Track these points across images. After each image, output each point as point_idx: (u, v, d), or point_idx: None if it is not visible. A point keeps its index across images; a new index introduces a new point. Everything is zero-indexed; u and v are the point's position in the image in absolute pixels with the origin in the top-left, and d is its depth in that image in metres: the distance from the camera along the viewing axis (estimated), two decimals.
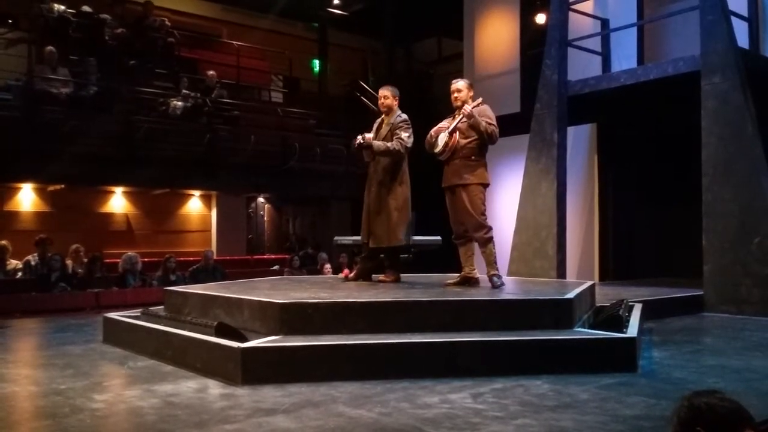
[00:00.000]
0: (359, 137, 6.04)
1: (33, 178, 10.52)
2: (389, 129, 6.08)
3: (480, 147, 5.87)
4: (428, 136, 6.00)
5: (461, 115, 5.84)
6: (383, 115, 6.25)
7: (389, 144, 5.97)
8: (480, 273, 6.08)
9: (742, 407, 1.81)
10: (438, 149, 5.87)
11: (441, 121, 6.12)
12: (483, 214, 5.85)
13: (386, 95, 6.18)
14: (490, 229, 5.85)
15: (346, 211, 13.93)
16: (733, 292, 7.62)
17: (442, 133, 5.89)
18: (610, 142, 10.79)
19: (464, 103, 5.92)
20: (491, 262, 5.83)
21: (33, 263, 9.31)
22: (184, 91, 11.53)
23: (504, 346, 4.45)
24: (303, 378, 4.07)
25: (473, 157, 5.84)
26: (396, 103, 6.17)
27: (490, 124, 5.82)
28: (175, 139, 10.95)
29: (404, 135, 6.00)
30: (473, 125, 5.77)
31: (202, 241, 12.85)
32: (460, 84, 6.03)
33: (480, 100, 5.93)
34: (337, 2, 15.02)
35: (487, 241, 5.82)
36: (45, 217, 11.14)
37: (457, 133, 5.84)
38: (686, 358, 5.03)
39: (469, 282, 5.98)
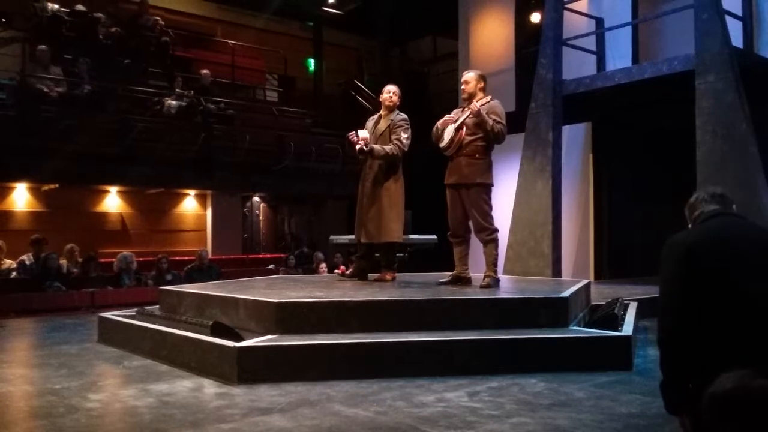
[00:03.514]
0: (359, 141, 5.89)
1: (27, 178, 10.49)
2: (388, 126, 6.02)
3: (486, 145, 5.67)
4: (434, 128, 5.82)
5: (469, 110, 5.65)
6: (381, 111, 6.19)
7: (388, 148, 5.90)
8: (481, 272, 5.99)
9: None
10: (444, 144, 5.71)
11: (439, 118, 5.94)
12: (488, 215, 5.69)
13: (395, 92, 6.10)
14: (494, 231, 5.69)
15: (341, 210, 13.94)
16: None
17: (448, 127, 5.70)
18: (605, 141, 10.81)
19: (471, 95, 5.73)
20: (489, 263, 5.73)
21: (27, 263, 9.28)
22: (178, 90, 11.50)
23: (500, 345, 4.45)
24: (299, 377, 4.07)
25: (477, 156, 5.64)
26: (399, 102, 6.16)
27: (497, 122, 5.61)
28: (170, 138, 10.93)
29: (404, 136, 5.95)
30: (480, 123, 5.56)
31: (198, 240, 12.84)
32: (468, 75, 5.84)
33: (489, 97, 5.73)
34: (332, 1, 15.02)
35: (488, 242, 5.70)
36: (39, 217, 11.11)
37: (464, 128, 5.65)
38: None
39: (461, 281, 5.89)
